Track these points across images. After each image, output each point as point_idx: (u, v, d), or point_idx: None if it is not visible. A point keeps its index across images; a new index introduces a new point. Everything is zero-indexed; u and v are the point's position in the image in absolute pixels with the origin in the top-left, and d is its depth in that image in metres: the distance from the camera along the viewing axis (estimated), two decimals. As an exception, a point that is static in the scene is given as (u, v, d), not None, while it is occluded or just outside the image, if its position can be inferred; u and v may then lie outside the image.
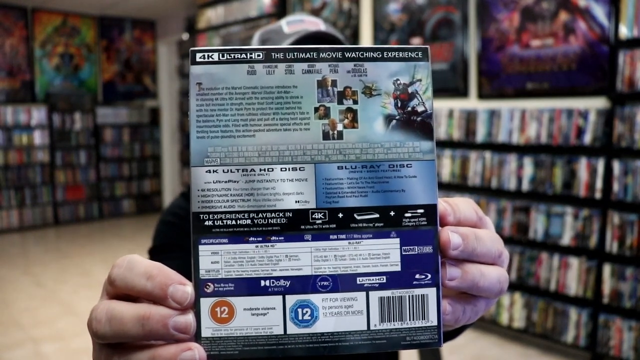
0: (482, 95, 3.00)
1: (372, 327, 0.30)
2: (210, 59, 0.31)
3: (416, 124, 0.32)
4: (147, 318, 0.28)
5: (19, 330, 3.06)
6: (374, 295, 0.31)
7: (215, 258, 0.30)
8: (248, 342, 0.30)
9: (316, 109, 0.31)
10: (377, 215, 0.31)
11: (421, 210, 0.31)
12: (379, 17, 3.51)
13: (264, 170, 0.31)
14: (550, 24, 2.69)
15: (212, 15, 4.83)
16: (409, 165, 0.32)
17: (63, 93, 6.02)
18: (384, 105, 0.32)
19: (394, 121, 0.32)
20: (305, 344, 0.30)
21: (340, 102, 0.31)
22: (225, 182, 0.31)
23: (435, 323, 0.31)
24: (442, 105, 3.12)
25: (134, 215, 6.52)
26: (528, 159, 2.70)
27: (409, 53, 0.33)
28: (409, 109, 0.32)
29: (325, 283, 0.30)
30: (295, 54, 0.31)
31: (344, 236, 0.31)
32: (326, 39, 0.80)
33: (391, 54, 0.32)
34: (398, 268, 0.31)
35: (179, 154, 6.62)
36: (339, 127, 0.31)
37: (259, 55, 0.31)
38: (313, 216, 0.31)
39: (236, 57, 0.31)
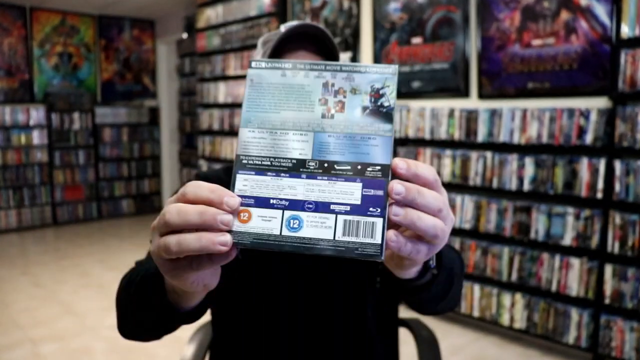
0: (483, 95, 2.99)
1: (336, 238, 0.43)
2: (259, 66, 0.48)
3: (382, 113, 0.46)
4: (204, 212, 0.42)
5: (17, 331, 3.04)
6: (340, 218, 0.44)
7: (245, 183, 0.45)
8: (257, 237, 0.43)
9: (319, 100, 0.47)
10: (349, 167, 0.45)
11: (378, 167, 0.45)
12: (379, 16, 3.49)
13: (283, 133, 0.47)
14: (551, 23, 2.68)
15: (212, 14, 4.82)
16: (374, 138, 0.46)
17: (62, 93, 6.00)
18: (363, 100, 0.47)
19: (368, 110, 0.47)
20: (292, 242, 0.43)
21: (335, 96, 0.47)
22: (258, 138, 0.47)
23: (379, 242, 0.42)
24: (442, 105, 3.11)
25: (133, 215, 6.50)
26: (529, 159, 2.70)
27: (383, 69, 0.47)
28: (379, 103, 0.46)
29: (310, 206, 0.44)
30: (311, 66, 0.48)
31: (326, 178, 0.45)
32: (309, 32, 0.87)
33: (371, 70, 0.47)
34: (358, 202, 0.44)
35: (178, 153, 6.60)
36: (332, 111, 0.47)
37: (288, 66, 0.48)
38: (308, 164, 0.46)
39: (275, 65, 0.48)
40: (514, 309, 2.80)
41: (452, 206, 3.02)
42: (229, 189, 0.48)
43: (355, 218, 0.43)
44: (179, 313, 0.59)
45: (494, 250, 2.85)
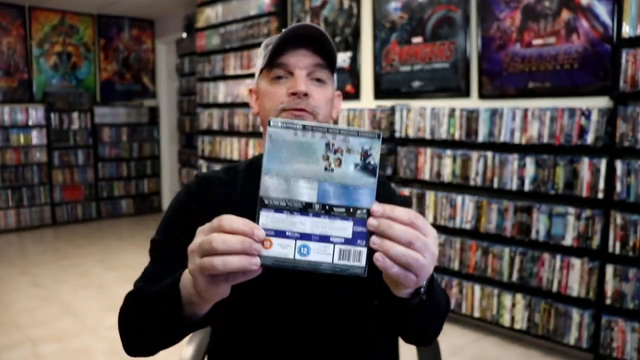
0: (483, 95, 2.98)
1: (334, 262, 0.59)
2: (276, 125, 0.59)
3: (368, 169, 0.60)
4: (244, 242, 0.55)
5: (17, 331, 3.03)
6: (337, 247, 0.59)
7: (267, 218, 0.58)
8: (276, 260, 0.58)
9: (323, 156, 0.59)
10: (343, 210, 0.59)
11: (365, 210, 0.59)
12: (379, 15, 3.49)
13: (295, 181, 0.59)
14: (552, 23, 2.67)
15: (211, 14, 4.81)
16: (362, 188, 0.60)
17: (61, 92, 5.98)
18: (355, 158, 0.60)
19: (358, 166, 0.60)
20: (302, 264, 0.58)
21: (334, 154, 0.60)
22: (276, 184, 0.59)
23: (363, 265, 0.58)
24: (443, 105, 3.10)
25: (132, 215, 6.49)
26: (530, 159, 2.69)
27: (372, 135, 0.60)
28: (367, 162, 0.60)
29: (315, 237, 0.59)
30: (318, 128, 0.59)
31: (327, 217, 0.59)
32: (308, 33, 0.89)
33: (362, 134, 0.59)
34: (350, 236, 0.59)
35: (178, 153, 6.59)
36: (332, 166, 0.60)
37: (299, 127, 0.59)
38: (314, 206, 0.59)
39: (289, 125, 0.59)
40: (514, 310, 2.79)
41: (453, 206, 3.01)
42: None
43: (347, 247, 0.59)
44: (191, 322, 0.72)
45: (494, 250, 2.84)
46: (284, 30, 0.89)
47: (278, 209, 0.58)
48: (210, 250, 0.56)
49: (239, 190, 0.95)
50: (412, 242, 0.56)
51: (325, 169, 0.59)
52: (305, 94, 0.87)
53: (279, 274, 0.69)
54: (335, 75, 0.97)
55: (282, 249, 0.58)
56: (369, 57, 3.61)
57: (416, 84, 3.30)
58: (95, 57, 6.34)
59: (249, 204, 0.91)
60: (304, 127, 0.59)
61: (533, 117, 2.67)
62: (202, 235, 0.58)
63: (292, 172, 0.59)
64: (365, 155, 0.59)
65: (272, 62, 0.90)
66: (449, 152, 3.02)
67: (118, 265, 4.35)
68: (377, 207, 0.58)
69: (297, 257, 0.58)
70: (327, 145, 0.59)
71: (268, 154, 0.58)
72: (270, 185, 0.58)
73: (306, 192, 0.59)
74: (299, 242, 0.58)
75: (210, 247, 0.56)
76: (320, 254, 0.58)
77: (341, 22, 3.77)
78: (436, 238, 0.61)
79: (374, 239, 0.57)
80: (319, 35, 0.88)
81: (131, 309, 0.83)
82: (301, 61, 0.89)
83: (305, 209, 0.59)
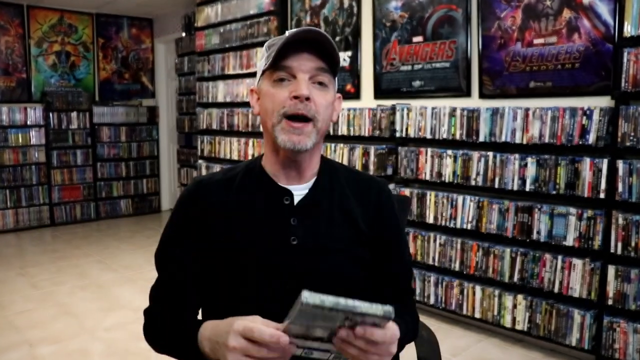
0: (484, 94, 2.97)
1: None
2: (308, 305, 0.66)
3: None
4: (276, 356, 0.75)
5: (14, 333, 3.01)
6: (332, 354, 0.81)
7: (291, 329, 0.73)
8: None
9: (340, 319, 0.71)
10: None
11: None
12: (379, 14, 3.47)
13: (313, 328, 0.73)
14: (553, 22, 2.66)
15: (211, 13, 4.79)
16: None
17: (59, 92, 5.96)
18: (365, 326, 0.73)
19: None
20: (305, 359, 0.81)
21: (350, 322, 0.72)
22: (298, 328, 0.72)
23: None
24: (444, 104, 3.08)
25: (131, 215, 6.46)
26: (531, 159, 2.67)
27: (385, 318, 0.72)
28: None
29: (318, 350, 0.79)
30: (343, 309, 0.68)
31: (330, 344, 0.77)
32: (311, 37, 0.91)
33: (378, 317, 0.71)
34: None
35: (177, 153, 6.57)
36: (346, 327, 0.73)
37: (327, 308, 0.67)
38: (323, 339, 0.75)
39: (318, 305, 0.66)
40: (515, 310, 2.78)
41: (454, 206, 3.00)
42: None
43: (340, 357, 0.80)
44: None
45: (495, 250, 2.83)
46: (288, 33, 0.91)
47: (296, 337, 0.74)
48: (259, 357, 0.74)
49: (235, 191, 0.99)
50: (368, 350, 0.74)
51: (339, 326, 0.73)
52: (308, 98, 0.89)
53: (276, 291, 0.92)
54: (336, 79, 0.99)
55: (294, 348, 0.76)
56: (369, 56, 3.59)
57: (417, 83, 3.29)
58: (94, 57, 6.32)
59: (245, 208, 0.94)
60: (331, 310, 0.69)
61: (534, 117, 2.65)
62: (241, 339, 0.74)
63: (313, 325, 0.73)
64: (375, 326, 0.74)
65: (276, 64, 0.91)
66: (449, 151, 3.01)
67: (117, 266, 4.34)
68: (360, 330, 0.72)
69: (303, 354, 0.79)
70: (346, 317, 0.71)
71: (297, 316, 0.70)
72: (293, 329, 0.73)
73: (319, 332, 0.74)
74: (306, 350, 0.78)
75: (259, 355, 0.74)
76: (319, 356, 0.81)
77: (341, 21, 3.75)
78: (395, 343, 0.78)
79: (335, 340, 0.74)
80: (322, 40, 0.91)
81: (153, 336, 0.99)
82: (304, 65, 0.90)
83: (317, 339, 0.76)
